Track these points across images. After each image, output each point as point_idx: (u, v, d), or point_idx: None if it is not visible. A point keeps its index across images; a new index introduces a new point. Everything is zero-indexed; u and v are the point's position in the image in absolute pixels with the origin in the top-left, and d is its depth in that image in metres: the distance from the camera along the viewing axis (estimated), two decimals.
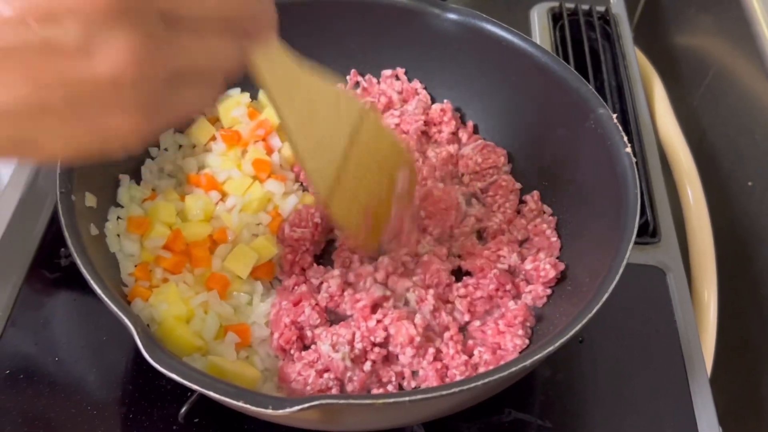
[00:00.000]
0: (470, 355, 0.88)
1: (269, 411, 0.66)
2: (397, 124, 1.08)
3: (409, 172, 0.95)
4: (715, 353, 1.07)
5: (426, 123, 1.09)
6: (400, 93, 1.11)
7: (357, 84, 1.13)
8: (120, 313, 0.73)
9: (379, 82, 1.13)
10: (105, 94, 0.51)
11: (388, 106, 1.11)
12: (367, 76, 1.13)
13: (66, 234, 0.80)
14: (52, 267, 1.01)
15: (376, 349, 0.86)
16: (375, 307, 0.89)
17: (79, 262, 0.77)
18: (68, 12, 0.48)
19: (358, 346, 0.85)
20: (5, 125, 0.51)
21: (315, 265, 0.96)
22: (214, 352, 0.88)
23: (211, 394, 0.68)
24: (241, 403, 0.67)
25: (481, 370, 0.86)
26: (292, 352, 0.88)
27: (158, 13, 0.51)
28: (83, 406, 0.89)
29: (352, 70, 1.13)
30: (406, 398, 0.68)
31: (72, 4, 0.48)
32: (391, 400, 0.69)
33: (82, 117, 0.52)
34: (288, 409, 0.66)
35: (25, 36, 0.48)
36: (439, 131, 1.09)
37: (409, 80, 1.12)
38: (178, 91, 0.55)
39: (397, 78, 1.12)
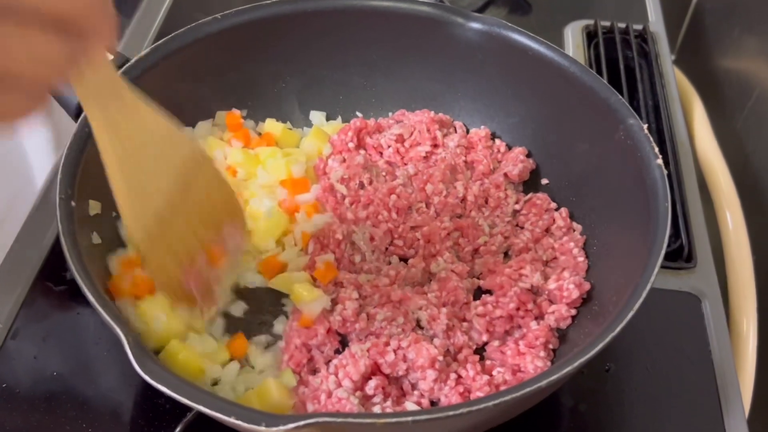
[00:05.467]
0: (491, 375, 0.83)
1: (262, 428, 0.63)
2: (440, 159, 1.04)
3: (242, 230, 0.87)
4: (754, 388, 1.01)
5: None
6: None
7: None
8: (112, 323, 0.71)
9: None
10: None
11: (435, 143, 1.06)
12: (401, 111, 1.10)
13: (62, 241, 0.77)
14: (58, 280, 0.98)
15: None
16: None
17: (73, 268, 0.75)
18: None
19: (369, 391, 0.81)
20: None
21: None
22: None
23: (202, 408, 0.66)
24: (232, 419, 0.64)
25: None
26: (302, 374, 0.85)
27: None
28: (79, 423, 0.86)
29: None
30: (410, 418, 0.64)
31: None
32: (393, 419, 0.65)
33: None
34: (282, 427, 0.63)
35: None
36: (478, 161, 1.04)
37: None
38: None
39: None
